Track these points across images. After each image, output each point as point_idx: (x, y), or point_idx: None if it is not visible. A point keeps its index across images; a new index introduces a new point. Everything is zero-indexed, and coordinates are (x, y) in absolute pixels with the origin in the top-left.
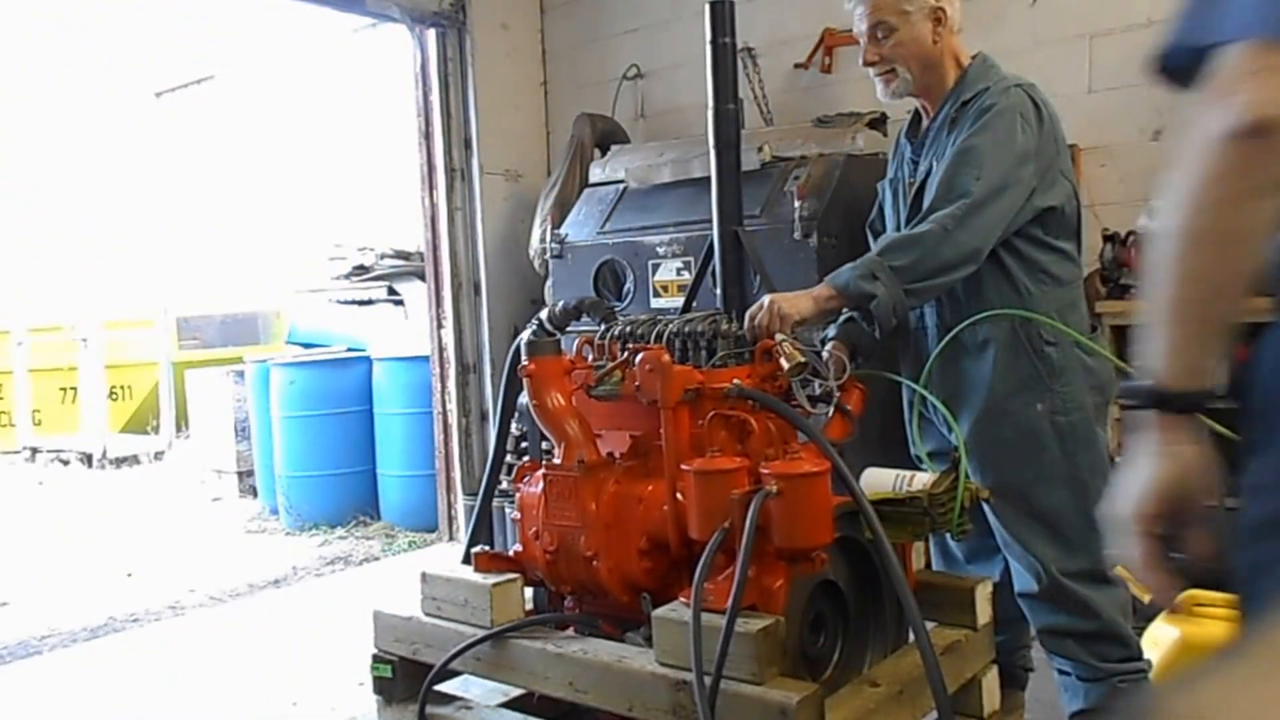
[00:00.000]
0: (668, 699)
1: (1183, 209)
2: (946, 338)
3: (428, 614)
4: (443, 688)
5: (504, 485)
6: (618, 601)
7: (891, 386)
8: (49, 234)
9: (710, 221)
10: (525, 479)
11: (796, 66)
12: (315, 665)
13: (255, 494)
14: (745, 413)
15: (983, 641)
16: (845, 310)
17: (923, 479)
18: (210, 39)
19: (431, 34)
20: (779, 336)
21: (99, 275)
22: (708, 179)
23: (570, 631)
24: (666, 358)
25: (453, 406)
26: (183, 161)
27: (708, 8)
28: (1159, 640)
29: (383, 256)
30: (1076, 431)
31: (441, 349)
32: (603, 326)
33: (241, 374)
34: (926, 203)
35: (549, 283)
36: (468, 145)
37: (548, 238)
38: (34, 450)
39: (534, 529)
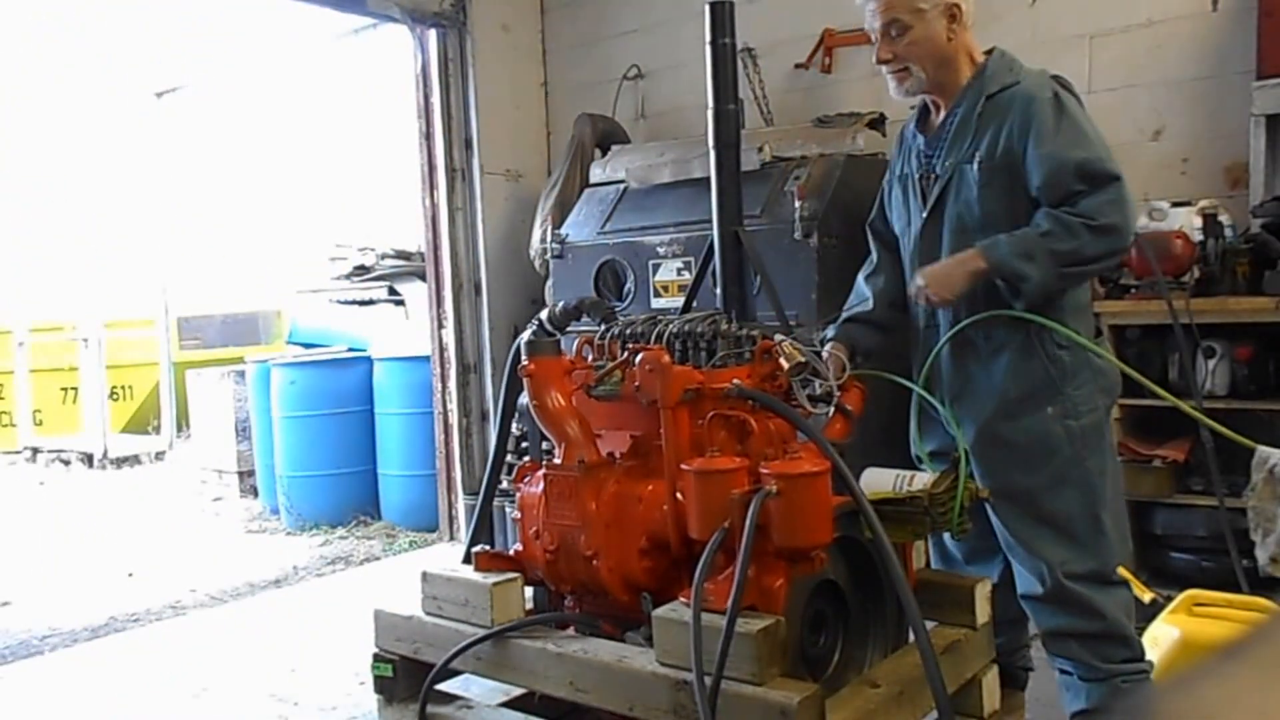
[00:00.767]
0: (668, 699)
1: None
2: (949, 334)
3: (428, 613)
4: (443, 687)
5: (504, 485)
6: (618, 601)
7: (891, 387)
8: (50, 234)
9: (710, 222)
10: (526, 479)
11: (797, 67)
12: (316, 664)
13: (256, 494)
14: (745, 413)
15: (982, 641)
16: (848, 305)
17: (923, 479)
18: (211, 39)
19: (432, 34)
20: (778, 336)
21: (100, 275)
22: (708, 179)
23: (571, 631)
24: (666, 358)
25: (453, 406)
26: (183, 162)
27: (708, 8)
28: (1160, 640)
29: (383, 257)
30: (1087, 435)
31: (442, 349)
32: (603, 327)
33: (242, 374)
34: (974, 197)
35: (549, 283)
36: (468, 145)
37: (548, 238)
38: (35, 450)
39: (534, 529)
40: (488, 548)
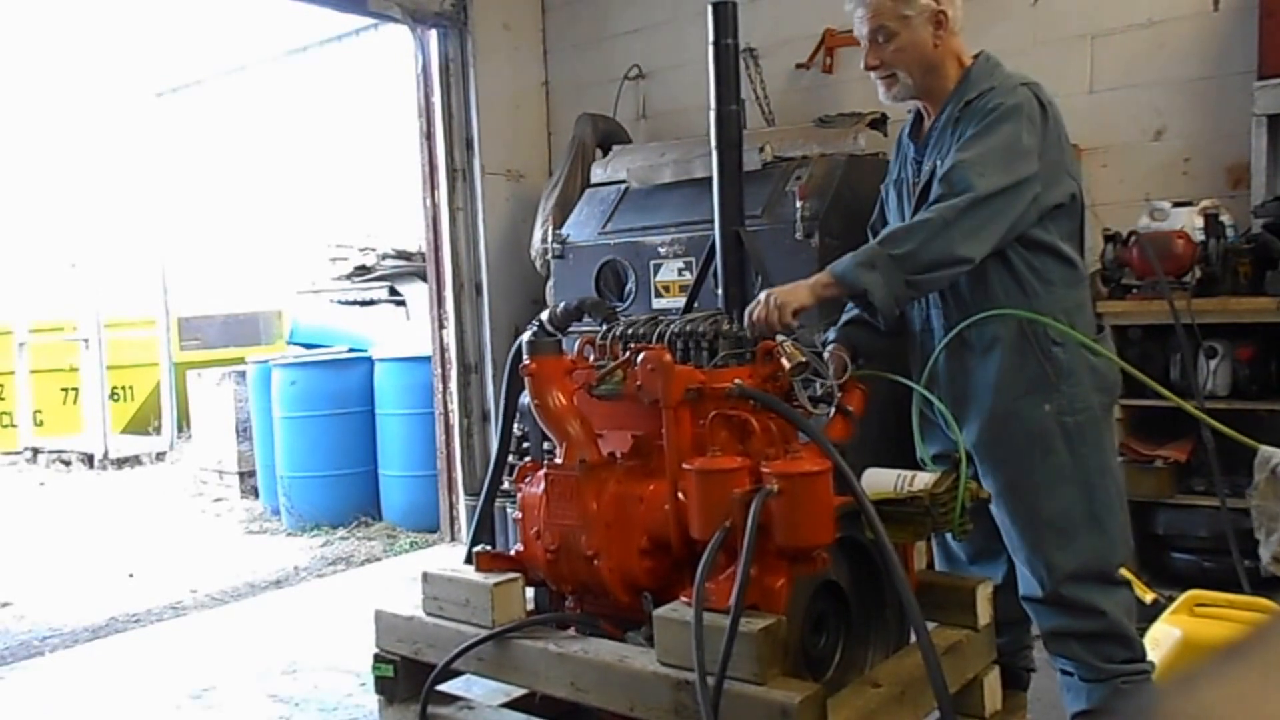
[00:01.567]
0: (669, 699)
1: None
2: (949, 336)
3: (429, 614)
4: (444, 687)
5: (505, 485)
6: (619, 601)
7: (893, 387)
8: (50, 234)
9: (712, 222)
10: (527, 479)
11: (798, 67)
12: (317, 665)
13: (257, 494)
14: (747, 413)
15: (984, 642)
16: (848, 308)
17: (924, 479)
18: (211, 39)
19: (433, 34)
20: (779, 336)
21: (100, 276)
22: (709, 179)
23: (572, 631)
24: (668, 358)
25: (454, 407)
26: (184, 162)
27: (710, 9)
28: (1161, 640)
29: (384, 257)
30: (1084, 432)
31: (443, 349)
32: (604, 327)
33: (243, 374)
34: (930, 200)
35: (550, 283)
36: (469, 145)
37: (549, 238)
38: (35, 451)
39: (535, 529)
40: (489, 548)
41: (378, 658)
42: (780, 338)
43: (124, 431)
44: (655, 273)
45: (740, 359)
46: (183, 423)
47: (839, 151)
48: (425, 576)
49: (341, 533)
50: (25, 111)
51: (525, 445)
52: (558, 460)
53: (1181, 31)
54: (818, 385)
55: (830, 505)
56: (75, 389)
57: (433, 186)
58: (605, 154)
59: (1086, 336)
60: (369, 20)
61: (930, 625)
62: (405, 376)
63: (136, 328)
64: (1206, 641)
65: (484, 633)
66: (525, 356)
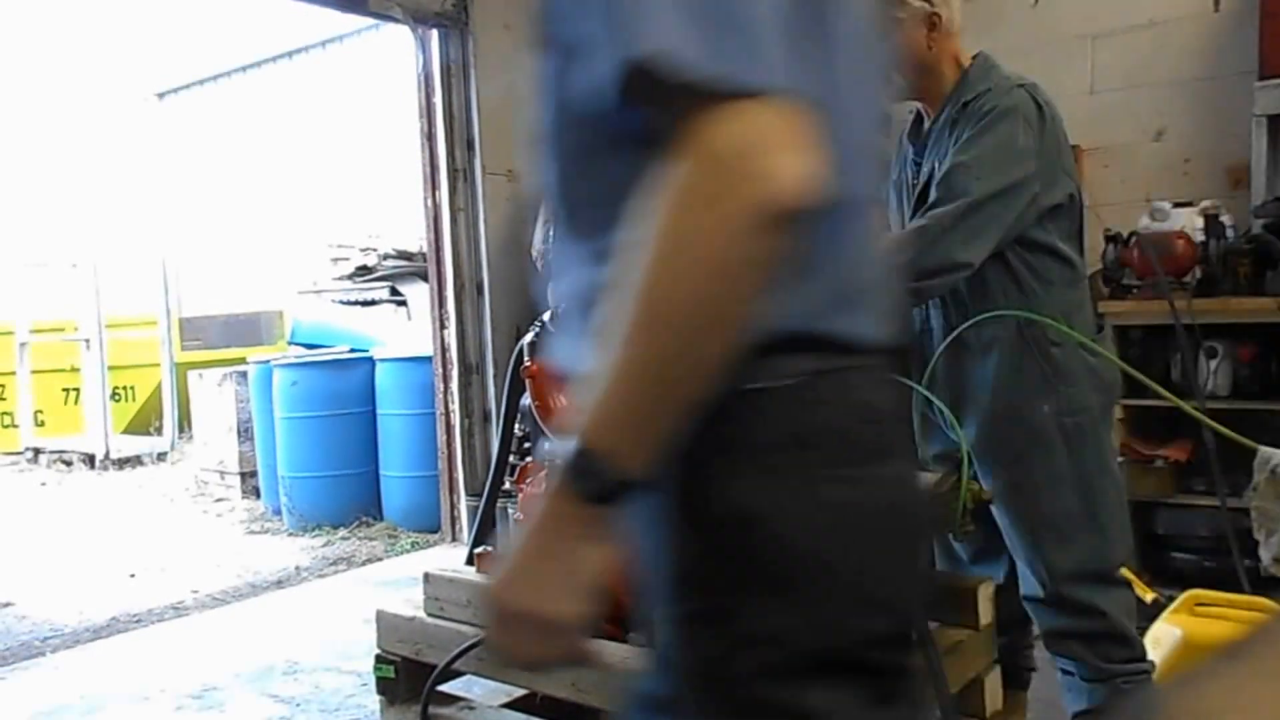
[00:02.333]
0: None
1: (673, 286)
2: (949, 339)
3: (430, 614)
4: (446, 688)
5: (507, 486)
6: (620, 601)
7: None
8: (51, 234)
9: None
10: (528, 479)
11: None
12: (318, 665)
13: (258, 495)
14: None
15: (984, 641)
16: None
17: (925, 479)
18: (213, 40)
19: (434, 35)
20: None
21: (101, 276)
22: None
23: None
24: None
25: (455, 407)
26: (185, 162)
27: None
28: (1161, 640)
29: (385, 257)
30: (1083, 432)
31: (444, 349)
32: None
33: (244, 375)
34: (928, 204)
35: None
36: (470, 146)
37: (550, 238)
38: (37, 451)
39: None
40: (490, 549)
41: (379, 658)
42: None
43: (125, 432)
44: None
45: None
46: (184, 423)
47: None
48: (426, 577)
49: (342, 533)
50: (27, 112)
51: (526, 446)
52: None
53: (1182, 32)
54: None
55: None
56: (76, 389)
57: (434, 187)
58: None
59: (1085, 337)
60: (370, 20)
61: (931, 625)
62: (406, 377)
63: (138, 328)
64: (1207, 641)
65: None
66: (527, 358)
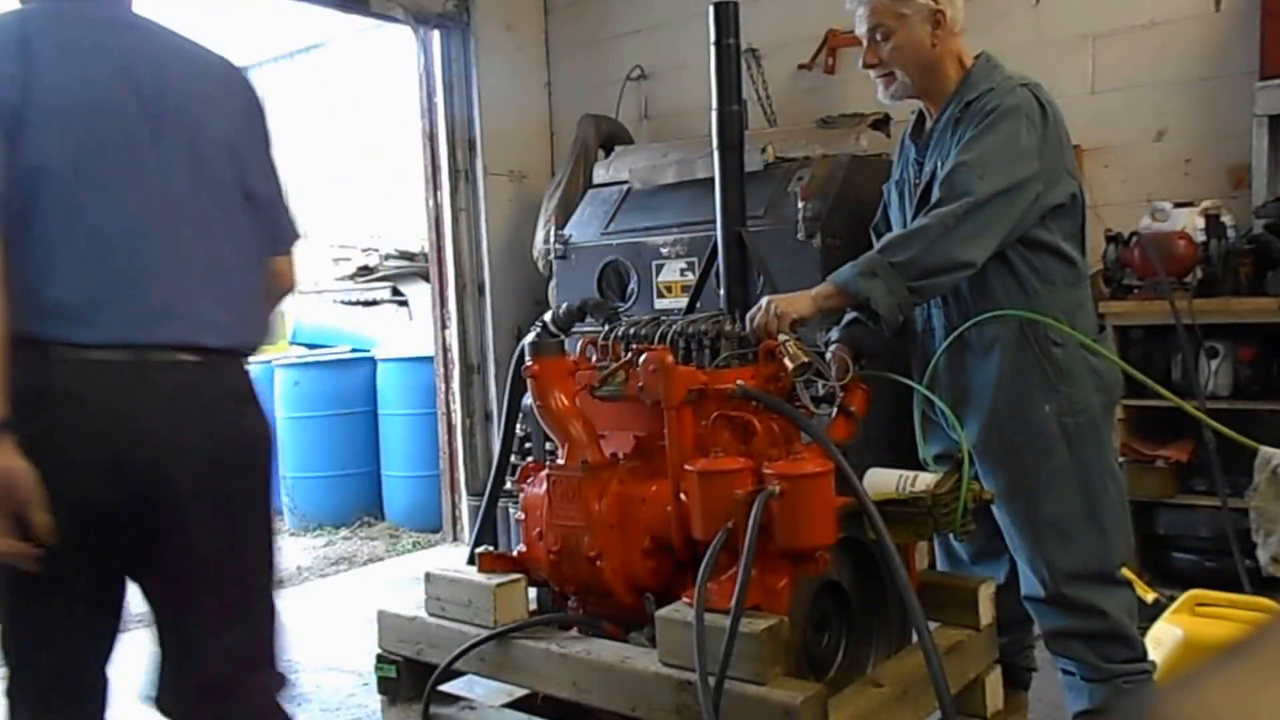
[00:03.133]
0: (671, 699)
1: None
2: (950, 337)
3: (432, 614)
4: (447, 688)
5: (508, 486)
6: (621, 602)
7: (896, 388)
8: None
9: (714, 222)
10: (529, 480)
11: (800, 67)
12: (319, 665)
13: None
14: (749, 413)
15: (985, 641)
16: (849, 311)
17: (926, 479)
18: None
19: (435, 35)
20: (782, 337)
21: None
22: (711, 180)
23: (574, 632)
24: (670, 358)
25: (457, 407)
26: None
27: (712, 9)
28: (1162, 640)
29: (387, 257)
30: (1084, 433)
31: (446, 350)
32: (606, 327)
33: None
34: (931, 203)
35: (553, 283)
36: (472, 146)
37: (551, 238)
38: None
39: (538, 529)
40: (491, 549)
41: (380, 658)
42: (782, 337)
43: None
44: (657, 273)
45: (742, 359)
46: None
47: (841, 152)
48: (428, 577)
49: (344, 533)
50: None
51: (528, 446)
52: (560, 461)
53: (1183, 32)
54: (819, 386)
55: (832, 506)
56: None
57: (435, 187)
58: (607, 154)
59: (1087, 337)
60: (371, 21)
61: (932, 625)
62: (408, 377)
63: None
64: (1208, 641)
65: (486, 633)
66: (528, 357)
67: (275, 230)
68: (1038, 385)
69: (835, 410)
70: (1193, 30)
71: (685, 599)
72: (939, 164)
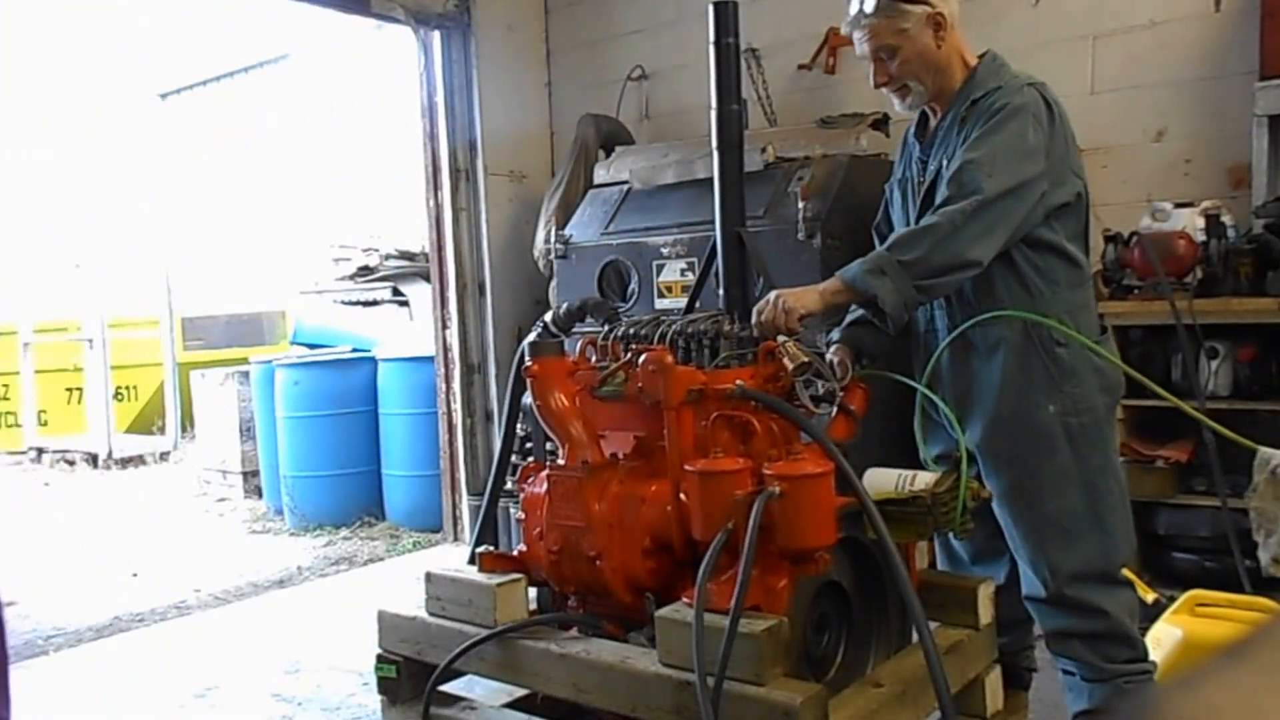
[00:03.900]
0: (671, 699)
1: None
2: (951, 336)
3: (432, 614)
4: (447, 688)
5: (509, 486)
6: (621, 602)
7: (896, 388)
8: (54, 234)
9: (714, 222)
10: (529, 479)
11: (800, 67)
12: (320, 665)
13: (260, 494)
14: (749, 414)
15: (985, 641)
16: (853, 309)
17: (925, 479)
18: (215, 40)
19: (436, 35)
20: (781, 337)
21: (104, 276)
22: (711, 180)
23: (574, 632)
24: (670, 358)
25: (457, 407)
26: (188, 162)
27: (711, 8)
28: (1163, 640)
29: (388, 257)
30: (1087, 433)
31: (446, 349)
32: (606, 327)
33: (246, 374)
34: (937, 201)
35: (553, 283)
36: (472, 146)
37: (552, 238)
38: (40, 451)
39: (538, 529)
40: (492, 548)
41: (380, 658)
42: (782, 338)
43: (128, 431)
44: (658, 273)
45: (742, 360)
46: (186, 423)
47: (841, 152)
48: (428, 577)
49: (344, 533)
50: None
51: (528, 446)
52: (560, 461)
53: (1183, 32)
54: (819, 385)
55: (832, 506)
56: (79, 389)
57: (436, 187)
58: (608, 155)
59: (1089, 337)
60: (373, 21)
61: (932, 625)
62: (408, 376)
63: (140, 328)
64: (1208, 641)
65: (486, 633)
66: (528, 358)
67: None
68: (1041, 386)
69: (835, 410)
70: (1192, 30)
71: (685, 599)
72: (945, 162)
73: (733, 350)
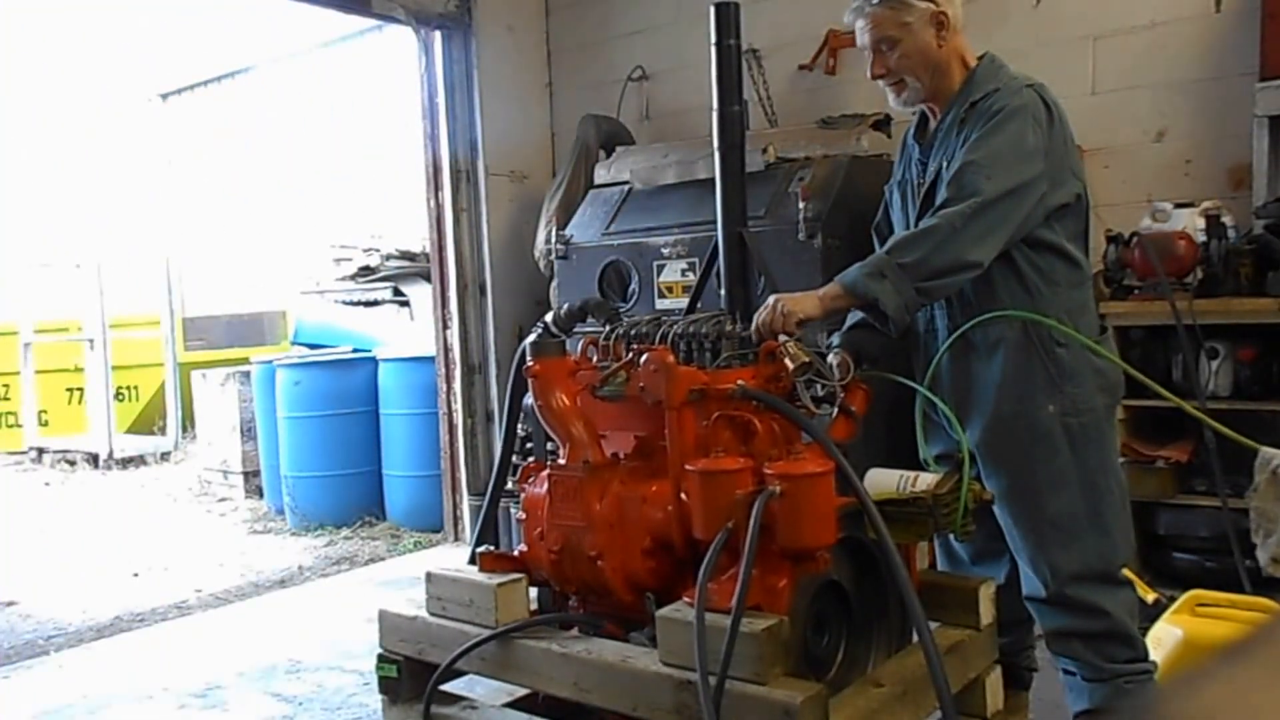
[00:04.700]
0: (671, 699)
1: None
2: (952, 337)
3: (433, 614)
4: (448, 687)
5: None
6: (622, 601)
7: (897, 389)
8: (55, 235)
9: (715, 223)
10: (530, 479)
11: (801, 68)
12: (321, 665)
13: (261, 494)
14: (750, 414)
15: (986, 641)
16: (854, 313)
17: (926, 479)
18: (217, 41)
19: (437, 36)
20: (782, 338)
21: (105, 276)
22: (712, 180)
23: (575, 631)
24: (671, 358)
25: (458, 407)
26: (189, 163)
27: (713, 9)
28: (1163, 640)
29: (388, 257)
30: (1087, 433)
31: (447, 350)
32: (607, 327)
33: (247, 374)
34: (937, 203)
35: (554, 284)
36: (473, 147)
37: (553, 239)
38: (40, 451)
39: (539, 529)
40: (493, 548)
41: (381, 657)
42: (783, 338)
43: (129, 431)
44: (659, 273)
45: (743, 360)
46: (187, 423)
47: (842, 152)
48: (429, 577)
49: (345, 532)
50: (31, 113)
51: (529, 446)
52: (561, 461)
53: (1183, 33)
54: (819, 386)
55: (832, 506)
56: (80, 389)
57: (437, 187)
58: (609, 155)
59: (1090, 338)
60: (373, 21)
61: (932, 625)
62: (409, 377)
63: (141, 328)
64: (1208, 641)
65: (487, 633)
66: (529, 358)
67: None
68: (1041, 386)
69: (835, 410)
70: (1192, 31)
71: (686, 599)
72: (945, 163)
73: (734, 350)
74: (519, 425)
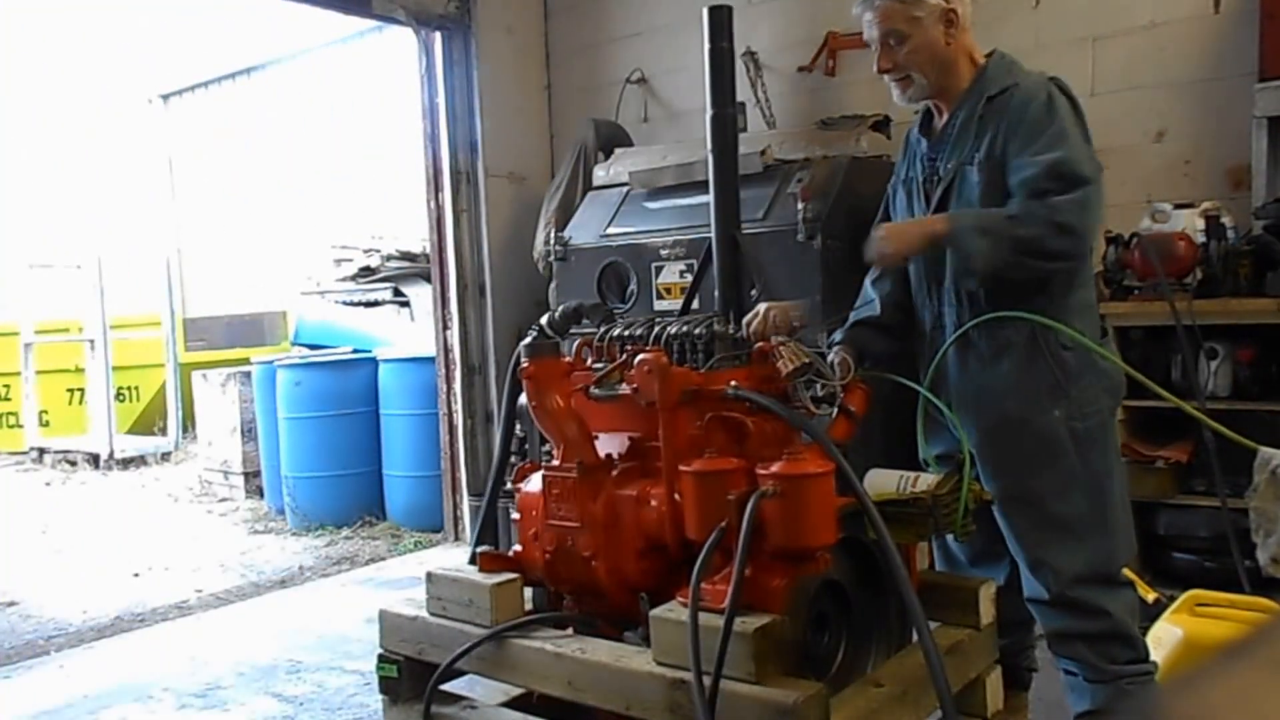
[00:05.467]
0: (664, 698)
1: None
2: (954, 336)
3: (433, 614)
4: (448, 687)
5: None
6: (616, 602)
7: (898, 389)
8: (56, 235)
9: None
10: (525, 480)
11: (800, 70)
12: (321, 665)
13: (261, 494)
14: (743, 414)
15: (986, 641)
16: (857, 310)
17: (927, 480)
18: (217, 42)
19: (437, 37)
20: (777, 339)
21: (106, 277)
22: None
23: (569, 631)
24: (665, 359)
25: (458, 407)
26: (189, 163)
27: (706, 12)
28: (1163, 640)
29: (389, 258)
30: (1092, 436)
31: (447, 350)
32: (602, 329)
33: (248, 375)
34: (975, 198)
35: (553, 285)
36: (473, 148)
37: (552, 240)
38: (41, 451)
39: (533, 530)
40: (492, 548)
41: (382, 657)
42: (780, 339)
43: (129, 432)
44: (657, 275)
45: (736, 361)
46: (188, 423)
47: (841, 154)
48: (429, 577)
49: (346, 533)
50: (31, 113)
51: (527, 446)
52: (555, 462)
53: (1182, 34)
54: (819, 386)
55: (831, 506)
56: (81, 390)
57: (437, 189)
58: (607, 157)
59: (1093, 339)
60: (374, 22)
61: (932, 625)
62: (409, 377)
63: (142, 328)
64: (1208, 641)
65: (485, 633)
66: (523, 359)
67: None
68: (1047, 390)
69: (835, 410)
70: (1192, 32)
71: (680, 599)
72: (966, 161)
73: (727, 352)
74: (517, 426)
